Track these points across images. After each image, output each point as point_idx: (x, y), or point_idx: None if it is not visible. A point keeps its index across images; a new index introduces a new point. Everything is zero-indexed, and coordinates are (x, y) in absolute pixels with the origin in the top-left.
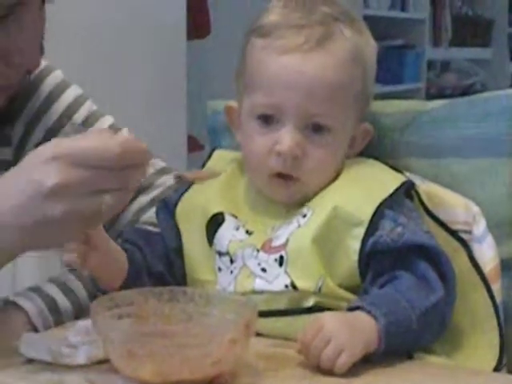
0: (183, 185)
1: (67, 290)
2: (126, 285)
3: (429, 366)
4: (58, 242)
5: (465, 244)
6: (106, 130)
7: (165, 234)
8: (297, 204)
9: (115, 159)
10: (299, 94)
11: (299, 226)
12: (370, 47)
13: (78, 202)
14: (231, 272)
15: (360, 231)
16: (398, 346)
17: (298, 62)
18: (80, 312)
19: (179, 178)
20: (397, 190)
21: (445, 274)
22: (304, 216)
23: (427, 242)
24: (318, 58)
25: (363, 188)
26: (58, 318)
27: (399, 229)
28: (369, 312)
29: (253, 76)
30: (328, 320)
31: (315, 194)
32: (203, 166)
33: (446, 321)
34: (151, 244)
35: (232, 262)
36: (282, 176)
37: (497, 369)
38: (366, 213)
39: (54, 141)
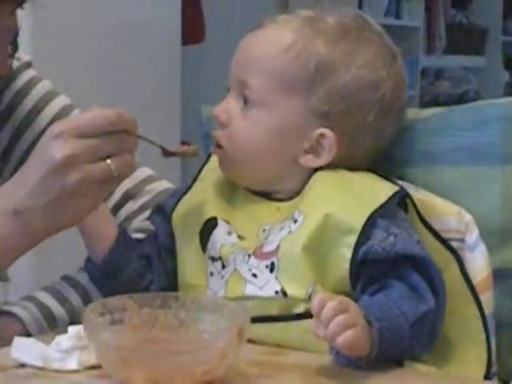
0: (167, 158)
1: (61, 298)
2: (114, 255)
3: (420, 374)
4: (79, 215)
5: (457, 255)
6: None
7: (159, 232)
8: (287, 204)
9: (112, 123)
10: (237, 62)
11: (290, 231)
12: (339, 52)
13: (88, 169)
14: (222, 277)
15: (352, 239)
16: (389, 354)
17: (248, 36)
18: (75, 319)
19: (163, 150)
20: (389, 199)
21: (435, 286)
22: (295, 221)
23: (419, 252)
24: (262, 34)
25: (355, 196)
26: (53, 325)
27: (391, 238)
28: (363, 316)
29: None
30: (345, 298)
31: (261, 181)
32: (200, 170)
33: (436, 332)
34: (143, 241)
35: (224, 267)
36: (216, 144)
37: (485, 379)
38: (358, 221)
39: (58, 121)
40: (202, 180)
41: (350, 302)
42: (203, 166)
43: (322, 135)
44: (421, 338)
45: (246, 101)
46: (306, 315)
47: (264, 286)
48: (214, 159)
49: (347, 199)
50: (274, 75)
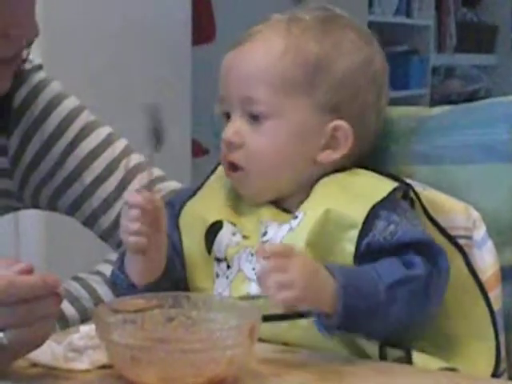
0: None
1: (73, 298)
2: (157, 286)
3: (428, 371)
4: None
5: (463, 251)
6: (3, 261)
7: (168, 231)
8: (283, 205)
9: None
10: (232, 81)
11: (291, 228)
12: (329, 46)
13: None
14: (227, 277)
15: (354, 234)
16: (363, 316)
17: (233, 54)
18: (86, 320)
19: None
20: (389, 194)
21: (436, 261)
22: (295, 218)
23: (420, 237)
24: (248, 46)
25: (356, 193)
26: (64, 325)
27: (392, 227)
28: (330, 270)
29: None
30: (299, 255)
31: (279, 191)
32: (207, 178)
33: (428, 304)
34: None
35: (229, 267)
36: (231, 167)
37: (493, 376)
38: (359, 215)
39: None
40: (208, 187)
41: (292, 253)
42: (210, 174)
43: (336, 128)
44: (403, 304)
45: (255, 116)
46: (311, 313)
47: None
48: (221, 169)
49: (347, 195)
50: (276, 83)
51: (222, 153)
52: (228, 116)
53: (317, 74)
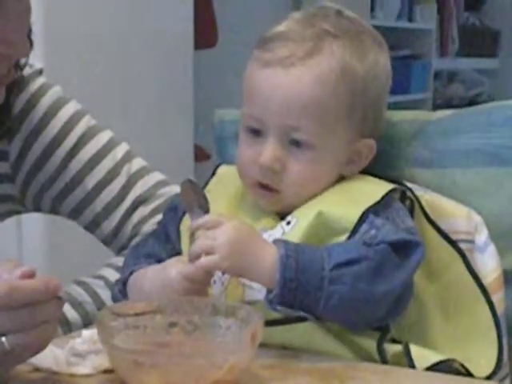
0: None
1: (76, 303)
2: None
3: (431, 375)
4: None
5: (463, 254)
6: (6, 264)
7: (171, 234)
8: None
9: (2, 300)
10: (276, 107)
11: (284, 232)
12: (368, 65)
13: None
14: (222, 283)
15: (342, 239)
16: (303, 291)
17: (277, 75)
18: (88, 324)
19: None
20: (383, 197)
21: (409, 255)
22: (288, 223)
23: (396, 238)
24: (297, 72)
25: (351, 197)
26: (67, 330)
27: (372, 232)
28: (275, 242)
29: (243, 87)
30: (229, 224)
31: (301, 204)
32: (207, 183)
33: (376, 286)
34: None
35: (223, 273)
36: (262, 186)
37: (489, 378)
38: (352, 219)
39: None
40: (209, 192)
41: (220, 223)
42: (210, 178)
43: (364, 145)
44: (345, 284)
45: (296, 142)
46: (310, 317)
47: (262, 288)
48: (221, 171)
49: (342, 200)
50: (329, 115)
51: (251, 172)
52: (254, 131)
53: (358, 97)
